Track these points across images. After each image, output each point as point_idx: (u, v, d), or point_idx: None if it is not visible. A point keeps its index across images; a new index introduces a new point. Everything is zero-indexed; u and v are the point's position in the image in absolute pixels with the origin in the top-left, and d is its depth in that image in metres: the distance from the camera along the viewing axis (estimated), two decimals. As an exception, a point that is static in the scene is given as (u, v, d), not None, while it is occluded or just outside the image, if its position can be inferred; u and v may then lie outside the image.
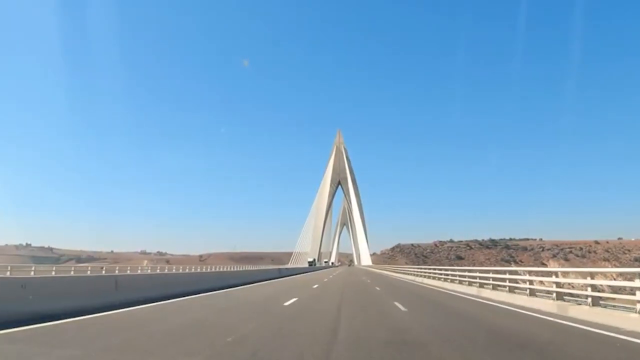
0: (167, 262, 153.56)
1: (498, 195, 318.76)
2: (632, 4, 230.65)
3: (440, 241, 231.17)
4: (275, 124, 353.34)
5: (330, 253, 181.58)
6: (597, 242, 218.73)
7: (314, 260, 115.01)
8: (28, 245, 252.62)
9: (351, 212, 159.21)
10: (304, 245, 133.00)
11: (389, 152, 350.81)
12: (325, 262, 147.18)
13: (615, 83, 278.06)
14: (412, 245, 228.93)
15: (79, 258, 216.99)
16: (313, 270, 70.38)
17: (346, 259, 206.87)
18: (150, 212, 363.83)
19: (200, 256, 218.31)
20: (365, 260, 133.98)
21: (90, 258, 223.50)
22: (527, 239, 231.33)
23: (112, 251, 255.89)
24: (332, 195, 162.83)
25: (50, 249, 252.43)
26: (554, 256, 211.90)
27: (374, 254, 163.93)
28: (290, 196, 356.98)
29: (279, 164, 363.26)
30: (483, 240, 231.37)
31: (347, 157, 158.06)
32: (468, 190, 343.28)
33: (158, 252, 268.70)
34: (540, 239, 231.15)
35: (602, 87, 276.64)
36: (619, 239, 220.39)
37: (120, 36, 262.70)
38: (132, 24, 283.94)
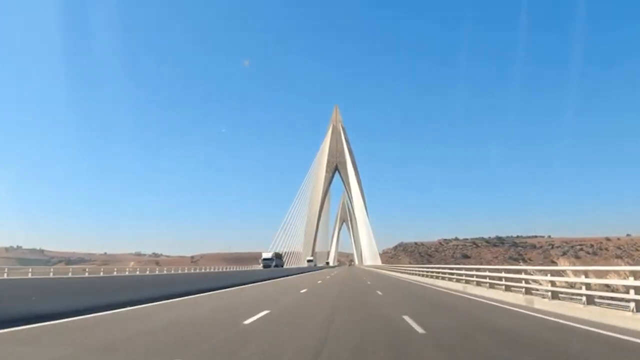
0: (157, 263, 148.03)
1: (504, 191, 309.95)
2: (632, 8, 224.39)
3: (445, 239, 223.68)
4: (275, 123, 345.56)
5: (328, 253, 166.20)
6: (608, 239, 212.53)
7: (273, 258, 69.22)
8: (19, 247, 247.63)
9: (351, 203, 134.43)
10: (291, 243, 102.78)
11: (390, 149, 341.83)
12: (309, 260, 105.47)
13: (622, 83, 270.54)
14: (415, 243, 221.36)
15: (69, 260, 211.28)
16: (276, 277, 40.35)
17: (346, 259, 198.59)
18: (148, 213, 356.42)
19: (192, 257, 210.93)
20: (370, 258, 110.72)
21: (81, 260, 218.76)
22: (535, 236, 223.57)
23: (105, 253, 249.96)
24: (329, 182, 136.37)
25: (42, 251, 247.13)
26: (564, 254, 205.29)
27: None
28: (291, 195, 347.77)
29: (279, 162, 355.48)
30: (490, 237, 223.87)
31: (345, 138, 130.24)
32: (473, 186, 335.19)
33: (153, 253, 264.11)
34: (549, 236, 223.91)
35: (609, 86, 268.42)
36: (628, 235, 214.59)
37: (118, 38, 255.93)
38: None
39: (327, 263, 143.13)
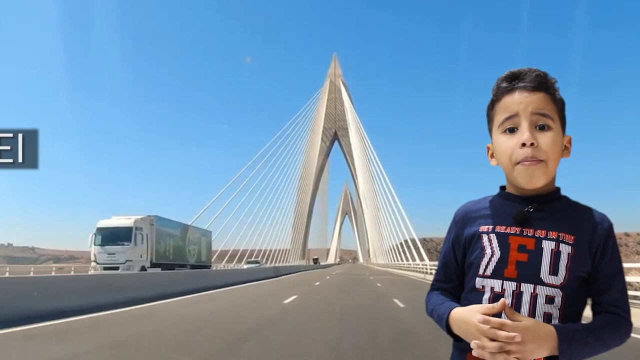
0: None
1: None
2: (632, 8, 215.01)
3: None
4: (273, 121, 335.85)
5: (328, 250, 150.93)
6: (627, 234, 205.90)
7: None
8: (10, 245, 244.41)
9: (355, 182, 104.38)
10: (276, 238, 78.23)
11: (393, 145, 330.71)
12: (250, 260, 56.46)
13: (628, 78, 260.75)
14: (424, 239, 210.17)
15: (58, 258, 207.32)
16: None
17: (350, 256, 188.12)
18: (147, 210, 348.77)
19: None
20: (383, 254, 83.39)
21: (71, 257, 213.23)
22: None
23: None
24: (325, 154, 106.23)
25: (32, 249, 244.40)
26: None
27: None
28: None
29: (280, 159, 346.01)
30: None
31: (349, 96, 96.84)
32: (483, 175, 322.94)
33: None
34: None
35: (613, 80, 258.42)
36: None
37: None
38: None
39: (315, 260, 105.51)
